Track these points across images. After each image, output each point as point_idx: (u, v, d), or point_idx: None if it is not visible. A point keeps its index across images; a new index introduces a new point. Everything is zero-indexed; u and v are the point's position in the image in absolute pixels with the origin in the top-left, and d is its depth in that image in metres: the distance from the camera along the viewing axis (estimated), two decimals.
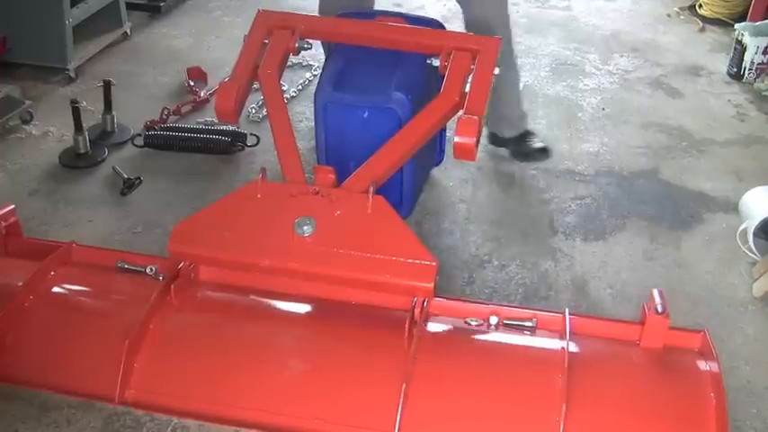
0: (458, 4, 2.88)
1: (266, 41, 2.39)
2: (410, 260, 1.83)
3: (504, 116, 2.97)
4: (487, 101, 2.13)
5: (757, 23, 3.78)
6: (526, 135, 3.06)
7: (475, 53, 2.22)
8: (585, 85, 3.67)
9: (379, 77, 2.45)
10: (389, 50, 2.45)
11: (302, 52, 2.44)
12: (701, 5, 4.44)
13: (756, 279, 2.39)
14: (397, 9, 4.15)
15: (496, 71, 2.18)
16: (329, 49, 2.66)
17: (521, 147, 3.04)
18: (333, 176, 2.03)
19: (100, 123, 3.14)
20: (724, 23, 4.28)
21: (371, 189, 1.91)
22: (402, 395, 1.69)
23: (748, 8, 4.16)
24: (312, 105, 2.53)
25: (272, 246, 1.89)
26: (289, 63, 3.63)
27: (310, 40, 2.44)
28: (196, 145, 3.02)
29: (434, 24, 2.60)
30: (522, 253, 2.55)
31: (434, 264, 1.85)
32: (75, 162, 2.96)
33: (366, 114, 2.41)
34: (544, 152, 3.03)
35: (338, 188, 2.00)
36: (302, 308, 1.96)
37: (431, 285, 1.83)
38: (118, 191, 2.80)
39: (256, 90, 2.64)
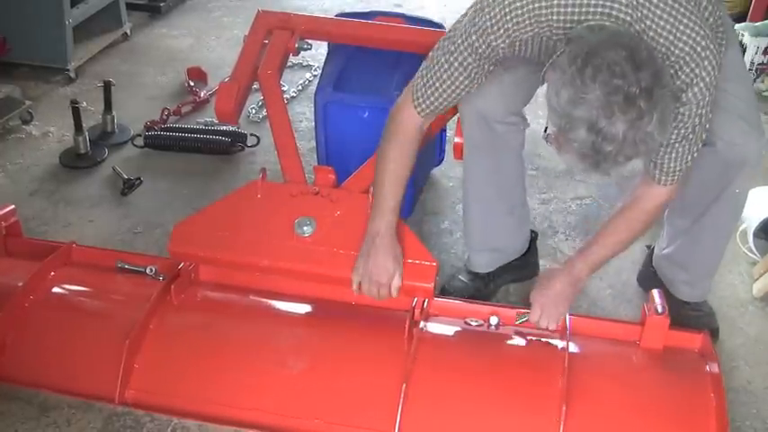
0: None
1: (266, 42, 2.39)
2: (410, 260, 1.84)
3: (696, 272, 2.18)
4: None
5: (757, 24, 3.78)
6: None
7: None
8: None
9: (379, 77, 2.45)
10: (389, 50, 2.45)
11: (303, 52, 2.44)
12: None
13: (756, 279, 2.39)
14: (397, 9, 4.15)
15: None
16: (328, 50, 2.66)
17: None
18: (333, 176, 2.03)
19: (100, 124, 3.13)
20: None
21: (371, 189, 1.91)
22: (402, 395, 1.69)
23: (748, 8, 4.15)
24: (312, 105, 2.53)
25: (273, 246, 1.89)
26: (289, 63, 3.63)
27: (310, 41, 2.44)
28: (196, 145, 3.02)
29: (433, 25, 2.60)
30: None
31: (435, 264, 1.85)
32: (76, 162, 2.96)
33: (366, 114, 2.40)
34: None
35: (338, 188, 2.00)
36: (302, 308, 1.96)
37: (431, 285, 1.83)
38: (118, 191, 2.79)
39: (257, 90, 2.63)
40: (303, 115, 3.29)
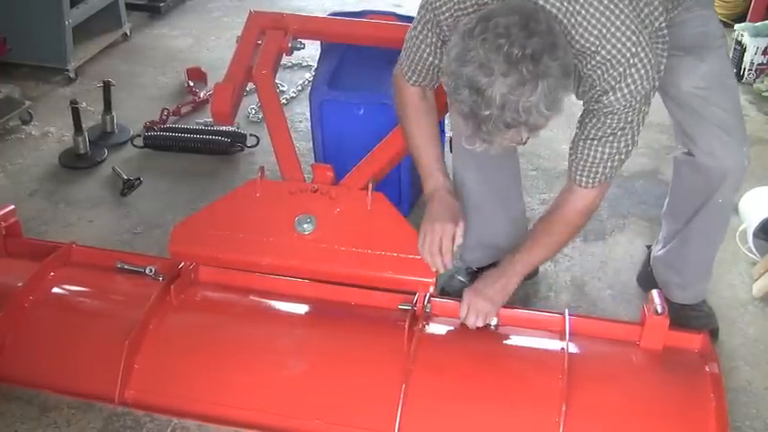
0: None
1: (259, 43, 2.39)
2: (411, 255, 1.84)
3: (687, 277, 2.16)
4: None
5: (757, 24, 3.78)
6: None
7: None
8: None
9: (373, 74, 2.45)
10: (382, 47, 2.45)
11: (302, 53, 2.44)
12: None
13: (756, 279, 2.39)
14: (397, 10, 4.14)
15: None
16: (321, 49, 2.65)
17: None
18: (331, 174, 2.03)
19: (100, 124, 3.14)
20: (724, 24, 4.26)
21: (370, 186, 1.92)
22: (402, 396, 1.69)
23: (748, 9, 4.15)
24: None
25: (273, 244, 1.89)
26: (289, 64, 3.66)
27: (303, 40, 2.44)
28: (196, 145, 3.02)
29: None
30: None
31: None
32: (75, 162, 2.96)
33: (362, 111, 2.40)
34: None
35: (337, 185, 2.00)
36: (302, 308, 1.96)
37: (432, 280, 1.84)
38: (118, 191, 2.80)
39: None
40: (303, 115, 3.29)
